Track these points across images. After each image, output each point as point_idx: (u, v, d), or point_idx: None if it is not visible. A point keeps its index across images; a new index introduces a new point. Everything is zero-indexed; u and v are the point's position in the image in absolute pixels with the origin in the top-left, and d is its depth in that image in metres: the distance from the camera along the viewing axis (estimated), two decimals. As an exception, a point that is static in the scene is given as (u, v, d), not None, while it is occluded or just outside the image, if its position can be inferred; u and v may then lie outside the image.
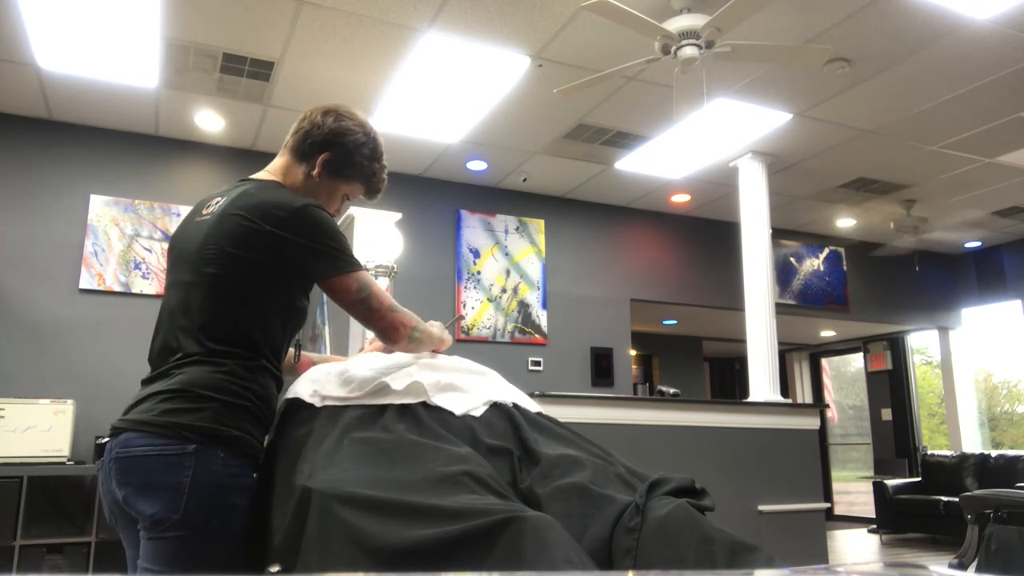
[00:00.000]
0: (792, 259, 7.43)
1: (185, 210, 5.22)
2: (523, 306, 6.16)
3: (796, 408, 5.15)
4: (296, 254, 1.45)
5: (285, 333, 1.52)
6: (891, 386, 8.76)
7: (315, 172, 1.58)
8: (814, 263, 7.56)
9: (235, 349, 1.41)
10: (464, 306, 5.96)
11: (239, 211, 1.45)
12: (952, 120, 5.06)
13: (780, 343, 5.56)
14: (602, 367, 6.34)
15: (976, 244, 8.03)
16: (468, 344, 5.84)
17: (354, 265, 1.50)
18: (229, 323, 1.42)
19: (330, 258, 1.47)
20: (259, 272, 1.44)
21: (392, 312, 1.54)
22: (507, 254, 6.21)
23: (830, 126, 5.17)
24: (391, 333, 1.55)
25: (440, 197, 6.10)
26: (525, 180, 6.18)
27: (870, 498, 7.80)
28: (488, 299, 6.05)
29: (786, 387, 9.29)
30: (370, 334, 2.28)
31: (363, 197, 1.69)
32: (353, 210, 3.92)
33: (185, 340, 1.42)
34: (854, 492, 9.55)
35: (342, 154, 1.60)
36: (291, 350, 1.63)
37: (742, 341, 5.47)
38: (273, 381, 1.49)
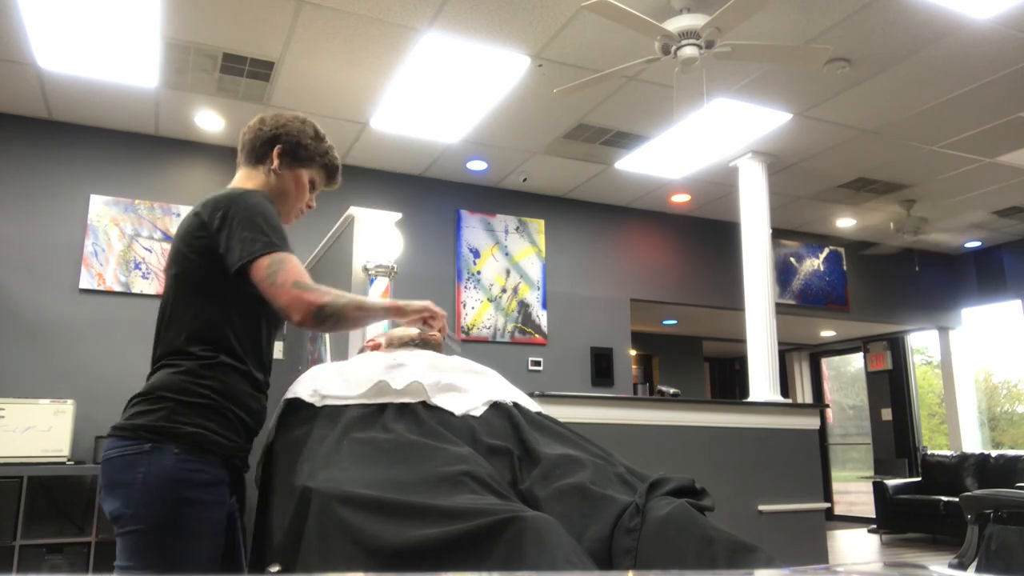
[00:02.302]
0: (792, 259, 7.43)
1: (185, 210, 5.22)
2: (523, 306, 6.16)
3: (796, 408, 5.15)
4: (223, 241, 1.46)
5: (260, 325, 1.55)
6: (891, 386, 8.76)
7: (275, 165, 1.66)
8: (814, 263, 7.55)
9: (195, 348, 1.46)
10: (464, 306, 5.96)
11: (195, 209, 1.53)
12: (952, 120, 5.06)
13: (780, 343, 5.55)
14: (602, 367, 6.34)
15: (976, 244, 8.03)
16: (468, 344, 5.83)
17: (271, 246, 1.45)
18: (191, 321, 1.48)
19: (246, 242, 1.45)
20: (208, 266, 1.48)
21: (295, 288, 1.42)
22: (507, 254, 6.21)
23: (830, 126, 5.17)
24: (289, 310, 1.43)
25: (440, 197, 6.10)
26: (525, 180, 6.18)
27: (870, 498, 7.80)
28: (488, 299, 6.05)
29: (786, 387, 9.28)
30: (370, 333, 2.29)
31: (326, 183, 1.76)
32: (353, 210, 3.91)
33: (160, 343, 1.51)
34: (854, 492, 9.55)
35: (291, 140, 1.67)
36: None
37: (742, 341, 5.47)
38: (239, 375, 1.50)
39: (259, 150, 1.68)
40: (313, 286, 1.44)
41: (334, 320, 1.44)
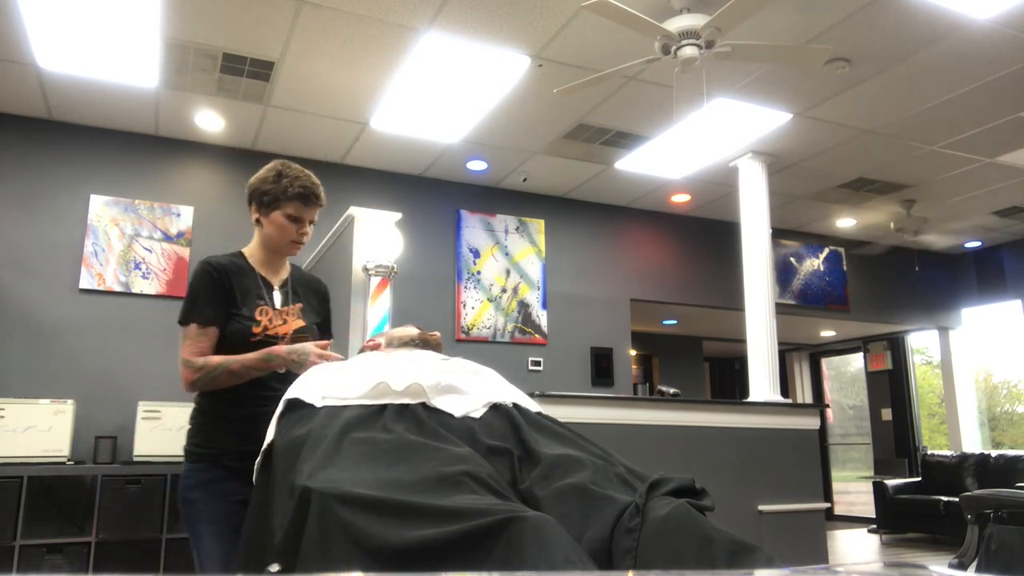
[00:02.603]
0: (792, 259, 7.43)
1: (185, 210, 5.23)
2: (523, 306, 6.16)
3: (796, 408, 5.15)
4: None
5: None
6: (891, 386, 8.76)
7: (255, 218, 2.04)
8: (814, 263, 7.55)
9: None
10: (464, 306, 5.96)
11: None
12: (952, 120, 5.06)
13: (780, 343, 5.55)
14: (602, 367, 6.34)
15: (976, 244, 8.03)
16: (468, 344, 5.84)
17: (184, 318, 1.93)
18: None
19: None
20: None
21: (181, 365, 1.90)
22: (507, 254, 6.21)
23: (830, 126, 5.17)
24: (182, 381, 1.93)
25: (440, 197, 6.10)
26: (525, 180, 6.18)
27: (870, 498, 7.80)
28: (488, 299, 6.05)
29: (786, 387, 9.28)
30: (371, 333, 2.32)
31: (307, 209, 2.02)
32: (353, 209, 3.92)
33: None
34: (854, 492, 9.55)
35: (256, 193, 2.03)
36: None
37: (742, 341, 5.47)
38: (217, 396, 1.93)
39: (249, 213, 2.05)
40: (190, 363, 1.88)
41: (209, 387, 1.91)
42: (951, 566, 4.15)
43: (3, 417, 4.20)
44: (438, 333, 2.10)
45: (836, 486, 9.66)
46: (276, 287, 2.06)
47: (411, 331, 1.99)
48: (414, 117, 4.97)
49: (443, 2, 3.72)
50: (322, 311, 2.18)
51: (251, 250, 2.07)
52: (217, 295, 1.93)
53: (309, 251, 5.35)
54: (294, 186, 1.98)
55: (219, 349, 1.93)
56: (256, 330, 1.94)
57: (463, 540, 1.01)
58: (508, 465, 1.31)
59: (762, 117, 5.03)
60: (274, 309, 2.00)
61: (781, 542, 3.96)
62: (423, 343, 1.92)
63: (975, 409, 8.22)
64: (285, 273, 2.11)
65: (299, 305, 2.06)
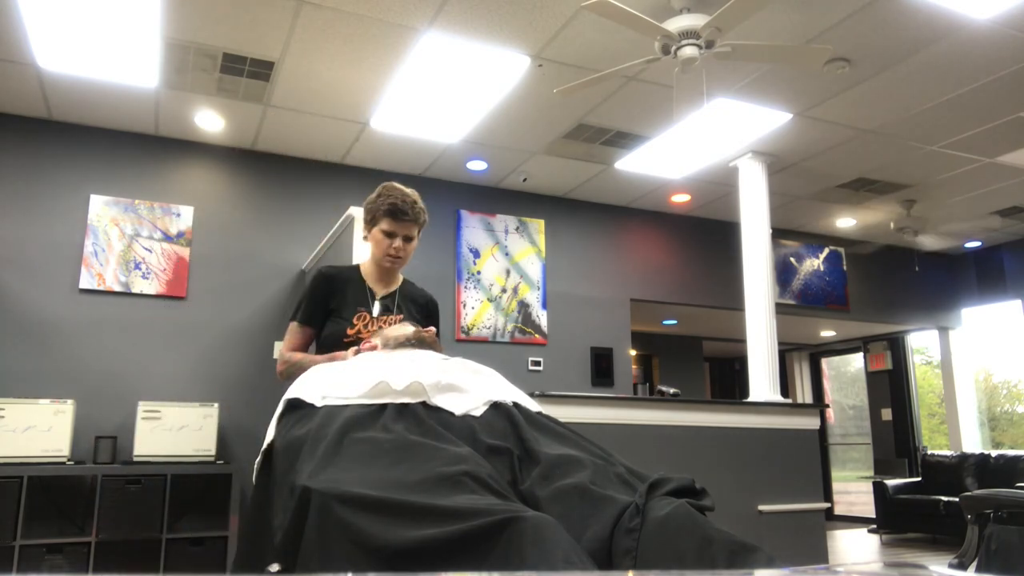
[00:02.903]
0: (792, 259, 7.43)
1: (185, 210, 5.23)
2: (523, 306, 6.16)
3: (796, 408, 5.15)
4: None
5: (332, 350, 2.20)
6: (891, 386, 8.75)
7: (364, 235, 2.29)
8: (814, 263, 7.55)
9: None
10: (464, 306, 5.96)
11: None
12: (952, 120, 5.06)
13: (780, 343, 5.55)
14: (602, 367, 6.34)
15: (976, 244, 8.03)
16: (468, 344, 5.83)
17: (291, 316, 2.23)
18: None
19: None
20: None
21: (278, 359, 2.20)
22: (507, 254, 6.21)
23: (830, 126, 5.17)
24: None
25: (440, 197, 6.09)
26: (525, 180, 6.18)
27: (870, 498, 7.80)
28: (488, 299, 6.05)
29: (786, 387, 9.28)
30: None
31: (400, 223, 2.20)
32: (353, 210, 3.93)
33: None
34: (854, 492, 9.54)
35: (365, 211, 2.26)
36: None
37: (742, 341, 5.47)
38: None
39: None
40: (281, 356, 2.18)
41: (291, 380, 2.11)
42: (951, 566, 4.16)
43: (3, 417, 4.20)
44: (433, 329, 2.11)
45: (836, 486, 9.65)
46: (379, 298, 2.25)
47: (406, 330, 1.99)
48: (414, 117, 4.97)
49: (443, 2, 3.72)
50: (424, 323, 2.32)
51: (366, 263, 2.31)
52: (317, 300, 2.19)
53: (309, 251, 5.36)
54: (387, 202, 2.18)
55: (321, 347, 2.17)
56: (350, 331, 2.13)
57: (463, 540, 1.01)
58: (508, 465, 1.31)
59: (762, 117, 5.03)
60: (371, 316, 2.19)
61: (781, 542, 3.96)
62: (419, 341, 1.92)
63: (975, 409, 8.22)
64: (394, 286, 2.31)
65: (400, 316, 2.24)
